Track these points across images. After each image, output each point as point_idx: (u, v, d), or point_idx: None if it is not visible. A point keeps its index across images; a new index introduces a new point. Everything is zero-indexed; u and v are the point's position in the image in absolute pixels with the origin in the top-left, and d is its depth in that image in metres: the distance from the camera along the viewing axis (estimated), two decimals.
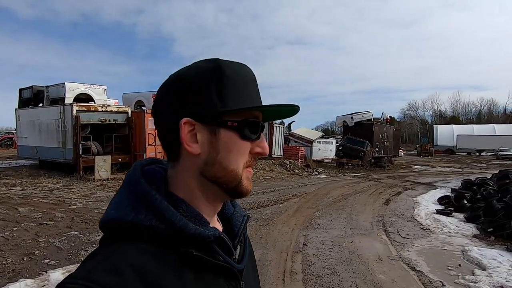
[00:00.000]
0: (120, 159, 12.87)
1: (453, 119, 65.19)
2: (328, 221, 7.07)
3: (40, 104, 14.39)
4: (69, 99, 12.97)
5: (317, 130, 36.18)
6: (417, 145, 48.09)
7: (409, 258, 4.97)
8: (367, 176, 16.16)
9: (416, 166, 23.77)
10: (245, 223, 0.67)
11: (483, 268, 4.62)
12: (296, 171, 16.97)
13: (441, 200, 9.39)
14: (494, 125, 51.68)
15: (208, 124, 0.55)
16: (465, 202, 8.52)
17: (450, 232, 6.48)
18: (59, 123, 12.33)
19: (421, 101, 74.05)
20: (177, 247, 0.51)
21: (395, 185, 13.01)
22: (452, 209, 8.33)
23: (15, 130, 17.91)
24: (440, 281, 4.19)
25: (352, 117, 23.49)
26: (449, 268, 4.66)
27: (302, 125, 33.37)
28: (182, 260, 0.51)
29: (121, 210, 0.53)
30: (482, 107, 69.75)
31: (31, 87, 14.79)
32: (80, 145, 11.80)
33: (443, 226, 6.84)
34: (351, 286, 4.02)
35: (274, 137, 19.28)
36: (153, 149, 12.77)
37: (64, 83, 13.32)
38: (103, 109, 12.98)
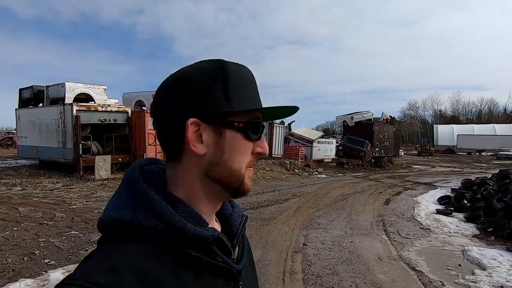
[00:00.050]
0: (120, 159, 12.87)
1: (453, 119, 65.19)
2: (328, 221, 7.07)
3: (40, 104, 14.39)
4: (69, 99, 12.97)
5: (317, 130, 36.16)
6: (417, 145, 48.11)
7: (409, 258, 4.97)
8: (367, 176, 16.16)
9: (416, 166, 23.77)
10: (244, 223, 0.67)
11: (483, 268, 4.62)
12: (296, 171, 16.97)
13: (441, 200, 9.39)
14: (494, 125, 51.66)
15: (214, 124, 0.55)
16: (465, 202, 8.52)
17: (450, 232, 6.48)
18: (59, 123, 12.33)
19: (421, 101, 74.10)
20: (176, 247, 0.51)
21: (395, 185, 13.01)
22: (452, 209, 8.33)
23: (15, 130, 17.90)
24: (440, 281, 4.19)
25: (352, 117, 23.48)
26: (449, 268, 4.66)
27: (302, 125, 33.42)
28: (181, 260, 0.51)
29: (119, 210, 0.53)
30: (482, 107, 69.84)
31: (31, 87, 14.80)
32: (80, 145, 11.80)
33: (443, 226, 6.84)
34: (351, 286, 4.02)
35: (274, 137, 19.28)
36: (153, 149, 12.77)
37: (64, 83, 13.32)
38: (103, 109, 12.98)
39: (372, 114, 24.53)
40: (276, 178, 14.38)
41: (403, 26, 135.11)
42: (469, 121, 64.18)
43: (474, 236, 6.27)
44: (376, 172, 18.57)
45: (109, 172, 11.94)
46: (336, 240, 5.75)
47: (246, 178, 0.59)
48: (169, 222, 0.51)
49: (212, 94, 0.55)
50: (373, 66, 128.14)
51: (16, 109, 15.03)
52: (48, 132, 12.93)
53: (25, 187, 10.01)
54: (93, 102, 13.68)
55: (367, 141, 20.67)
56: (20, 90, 15.23)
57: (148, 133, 12.76)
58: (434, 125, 57.10)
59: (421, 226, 6.86)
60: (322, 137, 25.68)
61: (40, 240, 5.31)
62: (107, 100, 14.56)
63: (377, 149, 21.99)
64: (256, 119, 0.58)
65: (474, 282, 4.15)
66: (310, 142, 22.54)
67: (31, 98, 14.71)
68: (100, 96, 14.30)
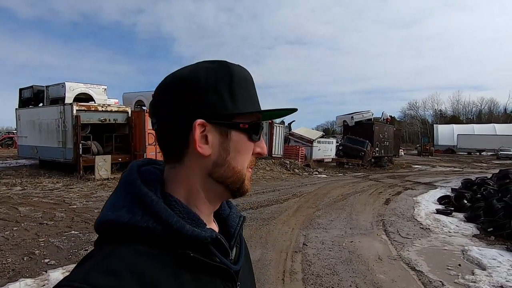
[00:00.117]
0: (120, 159, 12.88)
1: (454, 119, 65.15)
2: (328, 221, 7.07)
3: (40, 104, 14.40)
4: (69, 98, 12.98)
5: (317, 130, 36.13)
6: (418, 145, 48.12)
7: (409, 258, 4.97)
8: (367, 176, 16.16)
9: (416, 166, 23.77)
10: (241, 224, 0.67)
11: (483, 268, 4.62)
12: (296, 170, 16.97)
13: (441, 200, 9.39)
14: (495, 124, 51.64)
15: (220, 125, 0.56)
16: (465, 201, 8.52)
17: (450, 232, 6.48)
18: (59, 123, 12.33)
19: (421, 101, 73.99)
20: (174, 248, 0.51)
21: (395, 185, 13.01)
22: (452, 208, 8.33)
23: (16, 129, 17.90)
24: (440, 281, 4.19)
25: (352, 117, 23.47)
26: (449, 268, 4.66)
27: (302, 125, 33.41)
28: (179, 261, 0.51)
29: (117, 211, 0.52)
30: (483, 107, 69.79)
31: (31, 87, 14.80)
32: (80, 144, 11.80)
33: (443, 226, 6.84)
34: (351, 285, 4.02)
35: (274, 137, 19.28)
36: (153, 149, 12.77)
37: (64, 83, 13.32)
38: (103, 109, 12.98)
39: (372, 114, 24.51)
40: (276, 178, 14.38)
41: (403, 26, 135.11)
42: (469, 121, 64.15)
43: (474, 236, 6.27)
44: (376, 172, 18.57)
45: (109, 172, 11.94)
46: (336, 240, 5.75)
47: (246, 178, 0.60)
48: (168, 223, 0.51)
49: (219, 96, 0.55)
50: (373, 66, 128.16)
51: (16, 109, 15.04)
52: (48, 132, 12.94)
53: (25, 187, 10.01)
54: (93, 102, 13.68)
55: (367, 141, 20.66)
56: (20, 90, 15.24)
57: (148, 133, 12.76)
58: (434, 125, 57.08)
59: (421, 226, 6.86)
60: (322, 137, 25.67)
61: (40, 240, 5.31)
62: (107, 100, 14.57)
63: (377, 149, 21.99)
64: (258, 120, 0.59)
65: (474, 282, 4.15)
66: (310, 142, 22.54)
67: (31, 98, 14.71)
68: (100, 96, 14.30)
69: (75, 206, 7.69)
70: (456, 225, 6.96)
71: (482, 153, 42.37)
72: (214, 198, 0.60)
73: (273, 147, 19.23)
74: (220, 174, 0.57)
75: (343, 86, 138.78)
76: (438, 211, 8.10)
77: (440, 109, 71.71)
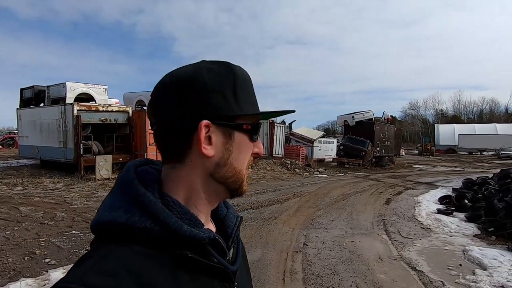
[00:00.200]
0: (121, 159, 12.88)
1: (455, 119, 65.04)
2: (329, 221, 7.06)
3: (41, 104, 14.42)
4: (70, 98, 12.99)
5: (318, 130, 36.12)
6: (419, 145, 48.09)
7: (410, 258, 4.97)
8: (368, 176, 16.15)
9: (417, 166, 23.75)
10: (239, 224, 0.67)
11: (484, 268, 4.61)
12: (297, 170, 16.96)
13: (442, 200, 9.38)
14: (496, 124, 51.57)
15: (224, 126, 0.56)
16: (466, 201, 8.50)
17: (451, 232, 6.47)
18: (60, 123, 12.34)
19: (422, 101, 73.84)
20: (172, 249, 0.51)
21: (396, 185, 12.99)
22: (453, 208, 8.32)
23: (17, 130, 17.94)
24: (441, 281, 4.18)
25: (353, 117, 23.45)
26: (450, 267, 4.65)
27: (303, 125, 33.43)
28: (177, 262, 0.51)
29: (114, 211, 0.52)
30: (484, 107, 69.66)
31: (32, 87, 14.82)
32: (81, 144, 11.81)
33: (444, 226, 6.83)
34: (351, 285, 4.01)
35: (275, 137, 19.28)
36: (154, 149, 12.72)
37: (65, 83, 13.34)
38: (104, 109, 12.99)
39: (373, 114, 24.46)
40: (276, 177, 14.38)
41: (403, 26, 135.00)
42: (470, 121, 64.04)
43: (475, 236, 6.26)
44: (377, 172, 18.55)
45: (110, 172, 11.95)
46: (336, 240, 5.74)
47: (245, 178, 0.60)
48: (165, 224, 0.51)
49: (223, 97, 0.55)
50: (373, 65, 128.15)
51: (17, 109, 15.06)
52: (49, 132, 12.96)
53: (26, 187, 10.03)
54: (94, 102, 13.70)
55: (368, 141, 20.64)
56: (21, 90, 15.26)
57: (149, 133, 12.75)
58: (435, 125, 57.04)
59: (422, 226, 6.85)
60: (323, 136, 25.69)
61: (41, 239, 5.32)
62: (108, 100, 14.59)
63: (378, 148, 21.97)
64: (257, 121, 0.60)
65: (475, 282, 4.14)
66: (311, 141, 22.53)
67: (32, 98, 14.73)
68: (101, 96, 14.32)
69: (76, 206, 7.70)
70: (457, 225, 6.95)
71: (483, 153, 42.31)
72: (213, 198, 0.60)
73: (274, 147, 19.23)
74: (222, 175, 0.57)
75: (343, 86, 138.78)
76: (439, 211, 8.09)
77: (441, 109, 71.72)
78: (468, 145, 44.02)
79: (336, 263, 4.69)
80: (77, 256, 4.65)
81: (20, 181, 10.92)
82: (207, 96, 0.55)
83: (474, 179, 11.30)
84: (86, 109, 12.39)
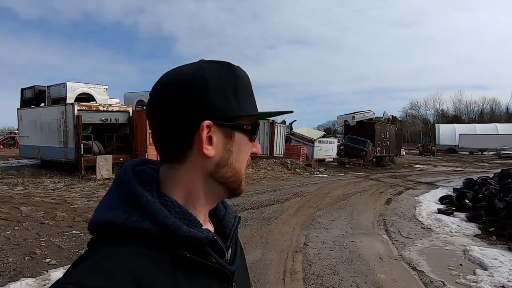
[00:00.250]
0: (121, 159, 12.87)
1: (455, 118, 64.93)
2: (329, 221, 7.06)
3: (42, 104, 14.44)
4: (70, 98, 13.01)
5: (318, 130, 36.12)
6: (419, 144, 48.00)
7: (410, 258, 4.96)
8: (369, 176, 16.14)
9: (418, 166, 23.72)
10: (237, 224, 0.67)
11: (484, 268, 4.60)
12: (298, 170, 16.96)
13: (442, 200, 9.37)
14: (497, 124, 51.46)
15: (225, 126, 0.56)
16: (467, 201, 8.49)
17: (451, 232, 6.47)
18: (60, 123, 12.35)
19: (423, 100, 73.60)
20: (171, 249, 0.51)
21: (396, 185, 12.98)
22: (454, 208, 8.31)
23: (17, 130, 17.96)
24: (441, 281, 4.18)
25: (353, 116, 23.44)
26: (450, 267, 4.65)
27: (303, 125, 33.41)
28: (175, 262, 0.51)
29: (112, 211, 0.52)
30: (485, 106, 69.52)
31: (33, 87, 14.84)
32: (82, 144, 11.83)
33: (445, 226, 6.82)
34: (351, 285, 4.01)
35: (275, 137, 19.27)
36: (155, 149, 12.78)
37: (65, 83, 13.36)
38: (105, 109, 13.01)
39: (374, 114, 24.45)
40: (277, 177, 14.37)
41: (404, 25, 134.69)
42: (471, 121, 63.94)
43: (476, 235, 6.26)
44: (378, 172, 18.54)
45: (111, 172, 11.96)
46: (337, 240, 5.74)
47: (243, 178, 0.61)
48: (164, 224, 0.51)
49: (225, 97, 0.55)
50: (374, 65, 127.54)
51: (18, 109, 15.07)
52: (50, 132, 12.97)
53: (27, 187, 10.04)
54: (94, 102, 13.71)
55: (369, 141, 20.63)
56: (22, 90, 15.27)
57: (150, 133, 12.48)
58: (436, 125, 56.93)
59: (423, 226, 6.84)
60: (323, 136, 25.66)
61: (41, 239, 5.32)
62: (109, 99, 14.60)
63: (378, 148, 21.96)
64: (257, 121, 0.61)
65: (476, 282, 4.13)
66: (311, 141, 22.51)
67: (33, 98, 14.75)
68: (101, 96, 14.33)
69: (76, 206, 7.71)
70: (457, 225, 6.94)
71: (484, 153, 42.23)
72: (212, 198, 0.60)
73: (275, 146, 19.22)
74: (222, 175, 0.57)
75: (344, 85, 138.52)
76: (440, 211, 8.08)
77: (442, 109, 71.63)
78: (469, 145, 43.94)
79: (336, 263, 4.68)
80: (77, 256, 4.63)
81: (21, 181, 10.93)
82: (208, 96, 0.54)
83: (474, 179, 11.29)
84: (87, 109, 12.40)
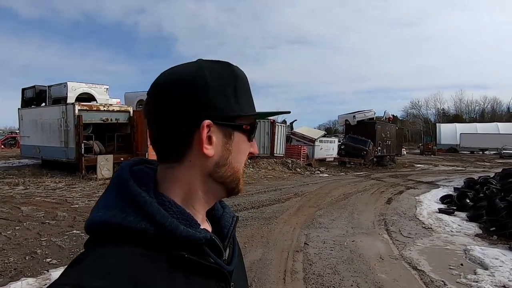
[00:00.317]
0: (122, 158, 12.88)
1: (456, 118, 64.80)
2: (330, 220, 7.05)
3: (43, 104, 14.47)
4: (71, 98, 13.02)
5: (319, 129, 36.09)
6: (420, 144, 47.95)
7: (411, 258, 4.96)
8: (369, 175, 16.13)
9: (418, 165, 23.70)
10: (235, 224, 0.66)
11: (485, 267, 4.60)
12: (298, 170, 16.95)
13: (443, 199, 9.35)
14: (498, 123, 51.33)
15: (225, 126, 0.56)
16: (468, 201, 8.48)
17: (452, 231, 6.46)
18: (61, 123, 12.38)
19: (424, 100, 73.48)
20: (168, 249, 0.51)
21: (397, 184, 12.97)
22: (455, 208, 8.30)
23: (18, 129, 17.99)
24: (442, 281, 4.17)
25: (354, 116, 23.42)
26: (451, 267, 4.64)
27: (304, 124, 33.44)
28: (173, 262, 0.51)
29: (109, 211, 0.51)
30: (486, 106, 69.38)
31: (34, 86, 14.86)
32: (82, 144, 11.85)
33: (445, 225, 6.82)
34: (352, 285, 4.01)
35: (276, 136, 19.26)
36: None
37: (66, 83, 13.37)
38: (105, 109, 13.03)
39: (375, 113, 24.42)
40: (278, 177, 14.37)
41: (405, 25, 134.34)
42: (472, 120, 63.79)
43: (477, 235, 6.24)
44: (378, 171, 18.52)
45: (111, 172, 11.96)
46: (337, 240, 5.74)
47: (241, 177, 0.61)
48: (161, 224, 0.50)
49: (225, 97, 0.56)
50: (375, 65, 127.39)
51: (18, 109, 15.10)
52: (51, 131, 12.99)
53: (28, 187, 10.06)
54: (95, 102, 13.72)
55: (369, 140, 20.60)
56: (23, 90, 15.30)
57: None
58: (437, 124, 56.81)
59: (423, 225, 6.84)
60: (324, 136, 25.65)
61: (42, 239, 5.33)
62: (109, 99, 14.61)
63: (379, 148, 21.93)
64: (255, 121, 0.61)
65: (476, 282, 4.13)
66: (312, 141, 22.51)
67: (34, 98, 14.78)
68: (102, 95, 14.34)
69: (77, 206, 7.72)
70: (458, 224, 6.93)
71: (485, 152, 42.16)
72: (211, 197, 0.60)
73: (275, 146, 19.22)
74: (221, 174, 0.57)
75: (344, 85, 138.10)
76: (441, 211, 8.07)
77: (442, 108, 71.54)
78: (470, 144, 43.86)
79: (337, 263, 4.68)
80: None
81: (22, 180, 10.95)
82: (208, 96, 0.54)
83: (475, 179, 11.27)
84: (87, 108, 12.42)
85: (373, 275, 4.28)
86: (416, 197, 9.91)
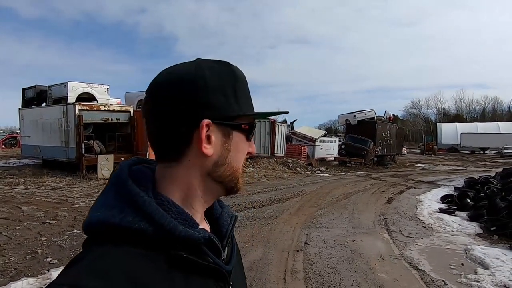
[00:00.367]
0: (122, 158, 12.86)
1: (457, 117, 64.74)
2: (330, 220, 7.05)
3: (43, 104, 14.47)
4: (71, 98, 13.02)
5: (319, 129, 36.08)
6: (421, 144, 47.87)
7: (411, 257, 4.95)
8: (370, 175, 16.12)
9: (419, 165, 23.68)
10: (233, 224, 0.66)
11: (486, 267, 4.59)
12: (299, 169, 16.95)
13: (444, 199, 9.34)
14: (498, 123, 51.27)
15: (224, 126, 0.56)
16: (468, 200, 8.47)
17: (453, 231, 6.45)
18: (62, 123, 12.39)
19: (424, 99, 73.46)
20: (167, 249, 0.51)
21: (398, 184, 12.96)
22: (455, 207, 8.29)
23: (19, 129, 18.02)
24: (442, 280, 4.17)
25: (355, 116, 23.40)
26: (452, 267, 4.64)
27: (304, 124, 33.46)
28: (172, 262, 0.51)
29: (107, 211, 0.51)
30: (486, 105, 69.36)
31: (34, 86, 14.87)
32: (83, 144, 11.86)
33: (446, 225, 6.81)
34: (352, 285, 4.01)
35: (276, 136, 19.26)
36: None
37: (66, 83, 13.38)
38: (106, 108, 13.03)
39: (375, 113, 24.40)
40: (278, 177, 14.37)
41: (405, 25, 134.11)
42: (473, 120, 63.69)
43: (477, 235, 6.24)
44: (379, 171, 18.51)
45: (112, 171, 11.97)
46: (338, 239, 5.73)
47: (240, 176, 0.61)
48: (160, 224, 0.50)
49: (225, 97, 0.56)
50: (375, 64, 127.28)
51: (19, 108, 15.12)
52: (51, 131, 13.00)
53: (29, 186, 10.07)
54: (95, 102, 13.73)
55: (370, 140, 20.59)
56: (23, 90, 15.31)
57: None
58: (438, 124, 56.71)
59: (424, 225, 6.83)
60: (324, 135, 25.66)
61: (42, 239, 5.34)
62: (110, 99, 14.61)
63: (380, 147, 21.92)
64: (253, 121, 0.61)
65: (477, 281, 4.12)
66: (312, 140, 22.51)
67: (34, 97, 14.78)
68: (102, 95, 14.34)
69: (77, 205, 7.73)
70: (459, 224, 6.93)
71: (485, 152, 42.12)
72: (210, 196, 0.60)
73: (276, 146, 19.22)
74: (220, 174, 0.57)
75: (345, 85, 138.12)
76: (441, 210, 8.06)
77: (443, 108, 71.49)
78: (471, 144, 43.81)
79: (337, 263, 4.68)
80: None
81: (22, 180, 10.96)
82: (208, 95, 0.54)
83: (476, 178, 11.26)
84: (88, 108, 12.43)
85: (374, 275, 4.28)
86: (417, 197, 9.91)
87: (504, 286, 4.00)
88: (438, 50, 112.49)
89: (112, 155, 12.42)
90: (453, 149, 44.51)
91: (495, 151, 39.23)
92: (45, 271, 4.15)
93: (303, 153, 20.44)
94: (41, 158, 14.19)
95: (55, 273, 3.99)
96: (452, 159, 31.19)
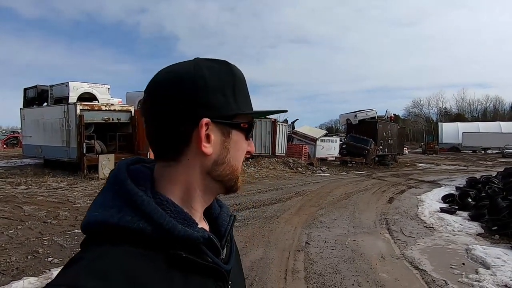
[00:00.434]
0: (123, 158, 12.77)
1: (458, 117, 64.60)
2: (331, 220, 7.05)
3: (45, 104, 14.49)
4: (73, 98, 13.04)
5: (320, 128, 36.05)
6: (422, 143, 47.80)
7: (412, 257, 4.94)
8: (371, 174, 16.10)
9: (420, 164, 23.64)
10: (232, 223, 0.66)
11: (487, 267, 4.58)
12: (300, 169, 16.94)
13: (445, 198, 9.32)
14: (500, 122, 51.13)
15: (223, 125, 0.56)
16: (470, 200, 8.46)
17: (454, 231, 6.44)
18: (63, 122, 12.41)
19: (425, 99, 73.37)
20: (166, 249, 0.51)
21: (399, 183, 12.94)
22: (457, 207, 8.27)
23: (20, 129, 18.07)
24: (444, 280, 4.16)
25: (356, 115, 23.38)
26: (453, 266, 4.63)
27: (305, 123, 33.44)
28: (171, 262, 0.50)
29: (106, 211, 0.51)
30: (488, 105, 69.22)
31: (35, 86, 14.90)
32: (84, 144, 11.87)
33: (447, 225, 6.80)
34: (353, 284, 4.00)
35: (277, 136, 19.25)
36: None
37: (68, 83, 13.40)
38: (107, 108, 13.05)
39: (376, 112, 24.40)
40: (279, 176, 14.37)
41: (405, 25, 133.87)
42: (474, 119, 63.56)
43: (478, 234, 6.23)
44: (380, 171, 18.49)
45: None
46: (338, 239, 5.73)
47: (240, 175, 0.61)
48: (159, 224, 0.50)
49: (224, 96, 0.56)
50: (376, 64, 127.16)
51: (20, 108, 15.15)
52: (52, 131, 13.03)
53: (30, 186, 10.09)
54: (96, 101, 13.74)
55: (371, 139, 20.57)
56: (25, 89, 15.34)
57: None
58: (439, 123, 56.62)
59: (425, 225, 6.82)
60: (325, 135, 25.62)
61: (44, 238, 5.35)
62: (111, 99, 14.63)
63: (381, 147, 21.90)
64: (252, 120, 0.61)
65: (478, 281, 4.11)
66: (313, 140, 22.50)
67: (35, 97, 14.82)
68: (103, 95, 14.36)
69: (79, 205, 7.74)
70: (460, 223, 6.91)
71: (487, 151, 42.03)
72: (209, 195, 0.60)
73: (276, 145, 19.20)
74: (219, 173, 0.57)
75: (346, 84, 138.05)
76: (442, 210, 8.05)
77: (444, 107, 71.35)
78: (472, 144, 43.73)
79: (338, 262, 4.68)
80: None
81: (24, 180, 10.98)
82: (208, 95, 0.54)
83: (477, 178, 11.24)
84: (89, 108, 12.45)
85: (375, 275, 4.28)
86: (418, 197, 9.89)
87: (506, 286, 3.99)
88: (438, 50, 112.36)
89: (113, 155, 12.43)
90: (454, 149, 44.44)
91: (497, 151, 39.13)
92: (47, 270, 4.15)
93: (304, 153, 20.43)
94: (43, 158, 14.22)
95: (56, 273, 3.96)
96: (454, 158, 31.13)
